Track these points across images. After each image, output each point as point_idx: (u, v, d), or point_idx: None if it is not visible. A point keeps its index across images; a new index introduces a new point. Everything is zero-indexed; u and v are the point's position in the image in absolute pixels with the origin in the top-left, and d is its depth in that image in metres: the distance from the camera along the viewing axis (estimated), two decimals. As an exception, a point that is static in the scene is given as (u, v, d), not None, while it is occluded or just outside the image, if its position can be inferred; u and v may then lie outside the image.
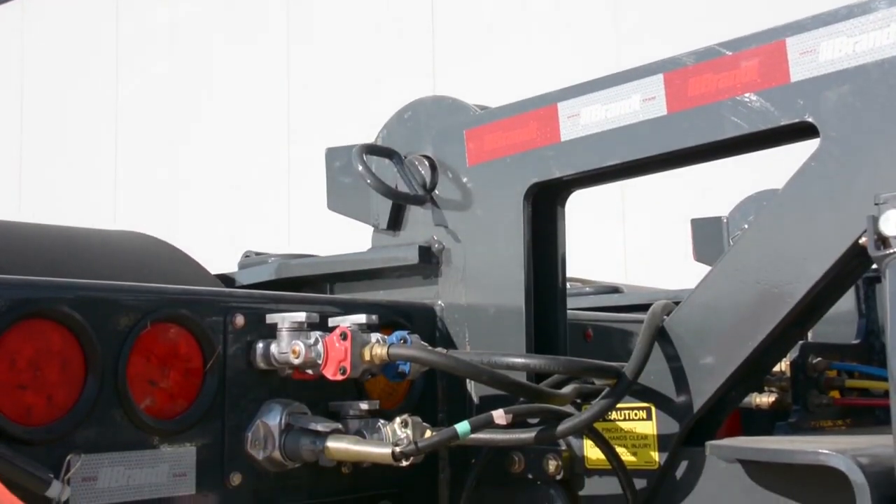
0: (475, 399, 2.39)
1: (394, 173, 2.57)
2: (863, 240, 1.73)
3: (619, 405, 2.05)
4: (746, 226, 3.31)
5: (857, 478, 1.65)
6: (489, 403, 2.22)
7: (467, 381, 2.39)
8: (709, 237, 3.97)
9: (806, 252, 1.91)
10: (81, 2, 11.88)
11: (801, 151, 1.97)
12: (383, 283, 2.64)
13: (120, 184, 11.24)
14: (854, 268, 1.92)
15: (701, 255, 4.01)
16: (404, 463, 1.99)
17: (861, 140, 1.86)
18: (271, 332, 2.09)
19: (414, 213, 2.58)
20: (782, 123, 1.97)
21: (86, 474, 1.82)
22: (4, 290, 1.77)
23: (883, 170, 1.82)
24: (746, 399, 2.45)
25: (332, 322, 2.11)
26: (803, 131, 1.97)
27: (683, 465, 2.05)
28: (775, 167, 2.55)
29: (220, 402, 2.03)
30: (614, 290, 4.13)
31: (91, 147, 11.50)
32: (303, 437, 2.07)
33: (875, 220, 1.65)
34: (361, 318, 2.09)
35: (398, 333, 2.09)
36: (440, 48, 8.90)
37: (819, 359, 2.45)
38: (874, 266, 1.79)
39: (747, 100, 2.01)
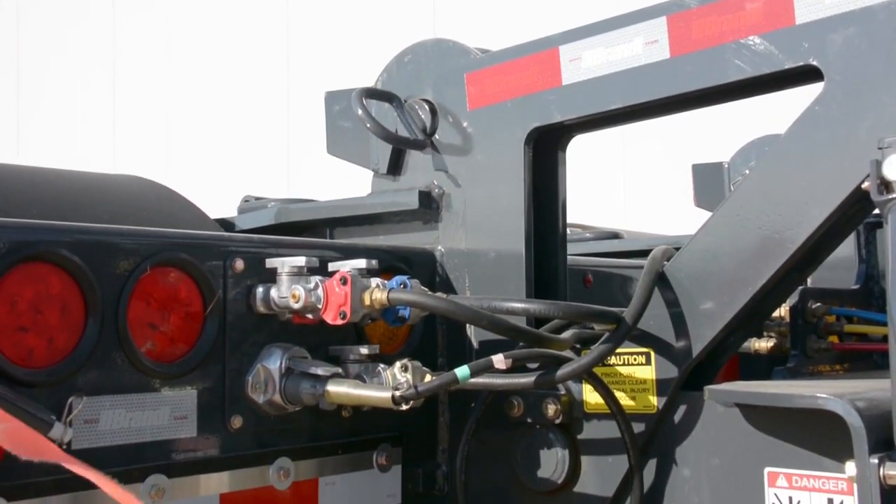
0: (475, 344, 2.39)
1: (394, 117, 2.55)
2: (865, 184, 1.72)
3: (618, 350, 2.05)
4: (748, 171, 3.30)
5: (855, 421, 1.66)
6: (489, 348, 2.23)
7: (467, 325, 2.40)
8: (710, 183, 3.96)
9: (808, 197, 1.90)
10: (77, -57, 11.72)
11: (804, 96, 1.95)
12: (383, 227, 2.64)
13: (118, 128, 11.19)
14: (855, 213, 1.91)
15: (702, 200, 4.01)
16: (404, 407, 2.00)
17: (866, 83, 1.84)
18: (271, 277, 2.09)
19: (414, 158, 2.56)
20: (786, 67, 1.95)
21: (87, 416, 1.83)
22: (3, 232, 1.76)
23: (887, 114, 1.81)
24: (745, 344, 2.46)
25: (331, 267, 2.11)
26: (807, 75, 1.95)
27: (682, 409, 2.06)
28: (778, 112, 2.53)
29: (220, 346, 2.04)
30: (614, 235, 4.13)
31: (89, 91, 11.43)
32: (303, 381, 2.08)
33: (878, 165, 1.64)
34: (361, 262, 2.08)
35: (398, 278, 2.09)
36: (441, -9, 8.80)
37: (818, 304, 2.46)
38: (875, 211, 1.78)
39: (751, 43, 1.98)
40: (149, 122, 10.82)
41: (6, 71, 12.31)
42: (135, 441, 1.90)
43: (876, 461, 1.62)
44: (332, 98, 2.80)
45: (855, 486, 1.69)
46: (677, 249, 2.13)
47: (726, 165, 3.91)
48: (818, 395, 1.76)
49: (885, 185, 1.64)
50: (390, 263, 2.34)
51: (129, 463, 1.88)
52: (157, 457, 1.93)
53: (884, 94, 1.82)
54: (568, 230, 2.51)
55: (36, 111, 11.99)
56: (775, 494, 1.88)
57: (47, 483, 1.77)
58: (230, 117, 10.11)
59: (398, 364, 2.09)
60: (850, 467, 1.66)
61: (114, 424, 1.87)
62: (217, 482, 2.02)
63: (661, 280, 2.08)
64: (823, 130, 1.89)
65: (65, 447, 1.78)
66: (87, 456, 1.82)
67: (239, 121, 10.03)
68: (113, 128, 11.23)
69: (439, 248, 2.49)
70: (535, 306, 2.13)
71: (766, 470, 1.90)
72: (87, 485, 1.80)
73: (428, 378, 2.06)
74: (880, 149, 1.65)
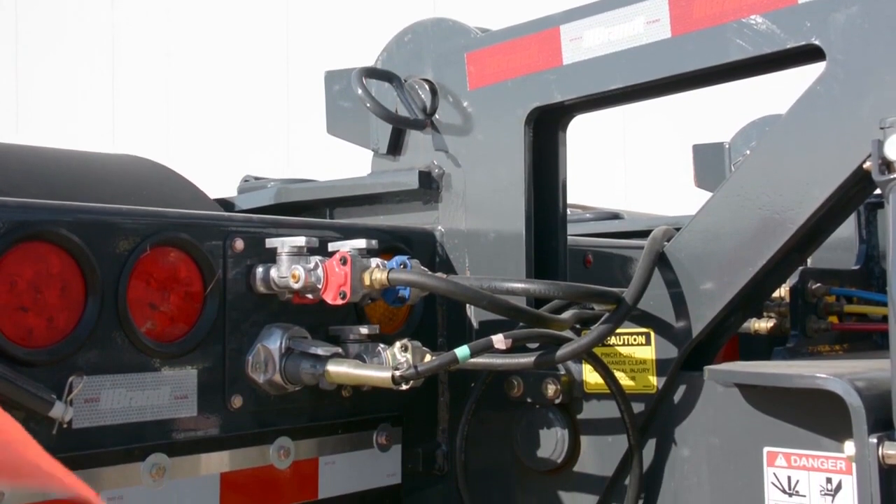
0: (475, 324, 2.40)
1: (393, 97, 2.54)
2: (867, 164, 1.71)
3: (618, 330, 2.06)
4: (749, 151, 3.29)
5: (854, 401, 1.67)
6: (489, 328, 2.23)
7: (467, 306, 2.40)
8: (710, 163, 3.95)
9: (809, 177, 1.90)
10: (75, -79, 11.65)
11: (806, 76, 1.95)
12: (383, 208, 2.64)
13: (118, 108, 11.16)
14: (857, 193, 1.91)
15: (702, 181, 4.00)
16: (404, 387, 2.00)
17: (868, 63, 1.84)
18: (271, 257, 2.09)
19: (414, 138, 2.56)
20: (788, 46, 1.94)
21: (88, 395, 1.83)
22: (3, 212, 1.76)
23: (889, 93, 1.80)
24: (745, 324, 2.46)
25: (331, 247, 2.10)
26: (809, 54, 1.94)
27: (681, 389, 2.06)
28: (779, 92, 2.52)
29: (220, 326, 2.04)
30: (614, 216, 4.13)
31: (88, 71, 11.39)
32: (303, 361, 2.08)
33: (880, 145, 1.64)
34: (361, 242, 2.08)
35: (398, 258, 2.09)
36: (441, -30, 8.75)
37: (818, 284, 2.45)
38: (876, 191, 1.78)
39: (753, 22, 1.97)
40: (148, 101, 10.79)
41: (5, 51, 12.27)
42: (135, 420, 1.90)
43: (875, 441, 1.62)
44: (332, 78, 2.79)
45: (854, 465, 1.70)
46: (678, 230, 2.12)
47: (727, 146, 3.90)
48: (818, 375, 1.76)
49: (886, 165, 1.64)
50: (390, 244, 2.34)
51: (129, 442, 1.89)
52: (157, 436, 1.93)
53: (886, 74, 1.81)
54: (568, 210, 2.51)
55: (35, 91, 11.96)
56: (774, 474, 1.89)
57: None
58: (230, 97, 10.08)
59: (398, 344, 2.09)
60: (849, 447, 1.67)
61: (114, 404, 1.87)
62: (218, 461, 2.02)
63: (661, 260, 2.08)
64: (825, 110, 1.89)
65: (65, 426, 1.78)
66: (87, 435, 1.83)
67: (239, 101, 10.01)
68: (112, 107, 11.21)
69: (439, 228, 2.49)
70: (535, 286, 2.13)
71: (766, 449, 1.90)
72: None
73: (428, 358, 2.06)
74: (882, 128, 1.64)
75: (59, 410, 1.75)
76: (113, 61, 11.22)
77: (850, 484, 1.78)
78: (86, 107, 11.34)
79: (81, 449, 1.82)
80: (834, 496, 1.81)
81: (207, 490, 2.00)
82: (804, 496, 1.84)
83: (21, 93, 12.13)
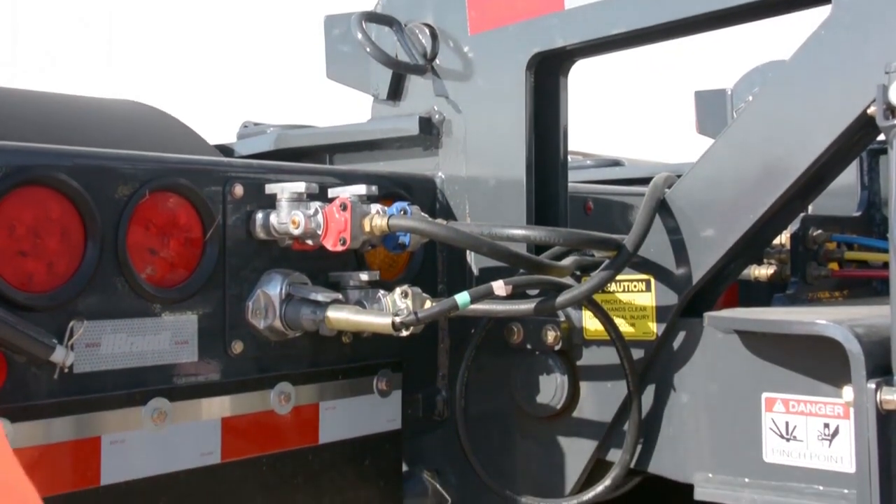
0: (475, 270, 2.40)
1: (394, 42, 2.52)
2: (871, 109, 1.70)
3: (618, 277, 2.06)
4: (751, 97, 3.27)
5: (853, 347, 1.67)
6: (489, 275, 2.23)
7: (467, 252, 2.40)
8: (712, 109, 3.93)
9: (812, 123, 1.88)
10: None
11: (810, 21, 1.92)
12: (383, 154, 2.63)
13: (115, 52, 11.07)
14: (860, 139, 1.90)
15: (704, 127, 3.99)
16: (404, 333, 2.00)
17: (873, 7, 1.81)
18: (270, 203, 2.08)
19: (414, 83, 2.54)
20: (793, -11, 1.92)
21: (89, 340, 1.84)
22: (1, 156, 1.75)
23: (894, 38, 1.78)
24: (745, 271, 2.46)
25: (331, 193, 2.10)
26: (815, -2, 1.92)
27: (681, 335, 2.07)
28: (783, 38, 2.49)
29: (220, 272, 2.04)
30: (615, 163, 4.12)
31: (86, 15, 11.28)
32: (303, 307, 2.09)
33: (885, 90, 1.62)
34: (361, 188, 2.07)
35: (398, 204, 2.08)
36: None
37: (819, 231, 2.45)
38: (880, 137, 1.76)
39: (758, -35, 1.95)
40: (147, 46, 10.70)
41: (1, -5, 12.14)
42: (136, 365, 1.91)
43: (873, 386, 1.63)
44: (332, 22, 2.76)
45: (851, 410, 1.71)
46: (679, 177, 2.11)
47: (729, 92, 3.87)
48: (817, 321, 1.77)
49: (890, 111, 1.62)
50: (390, 190, 2.33)
51: (130, 386, 1.90)
52: (158, 381, 1.94)
53: (892, 19, 1.79)
54: (569, 157, 2.49)
55: (32, 34, 11.85)
56: (772, 419, 1.90)
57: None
58: (229, 42, 9.99)
59: (398, 290, 2.10)
60: (847, 392, 1.67)
61: (115, 349, 1.88)
62: (219, 406, 2.03)
63: (662, 207, 2.07)
64: (829, 55, 1.87)
65: (67, 371, 1.79)
66: (89, 380, 1.84)
67: (238, 45, 9.92)
68: (110, 51, 11.11)
69: (439, 174, 2.48)
70: (536, 233, 2.12)
71: (764, 395, 1.91)
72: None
73: (428, 304, 2.06)
74: (887, 73, 1.63)
75: (60, 355, 1.76)
76: (111, 3, 11.11)
77: (847, 429, 1.80)
78: (84, 51, 11.25)
79: (83, 393, 1.83)
80: (831, 441, 1.82)
81: (209, 434, 2.01)
82: (801, 441, 1.86)
83: (19, 37, 12.03)
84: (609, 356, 2.13)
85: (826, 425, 1.83)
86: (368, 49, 2.45)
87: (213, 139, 2.99)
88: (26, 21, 11.96)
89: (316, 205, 2.04)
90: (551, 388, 2.22)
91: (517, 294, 2.06)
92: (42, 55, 11.56)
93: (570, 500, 2.18)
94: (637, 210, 2.10)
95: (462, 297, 1.97)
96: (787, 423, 1.88)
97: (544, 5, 2.28)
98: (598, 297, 2.10)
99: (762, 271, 2.56)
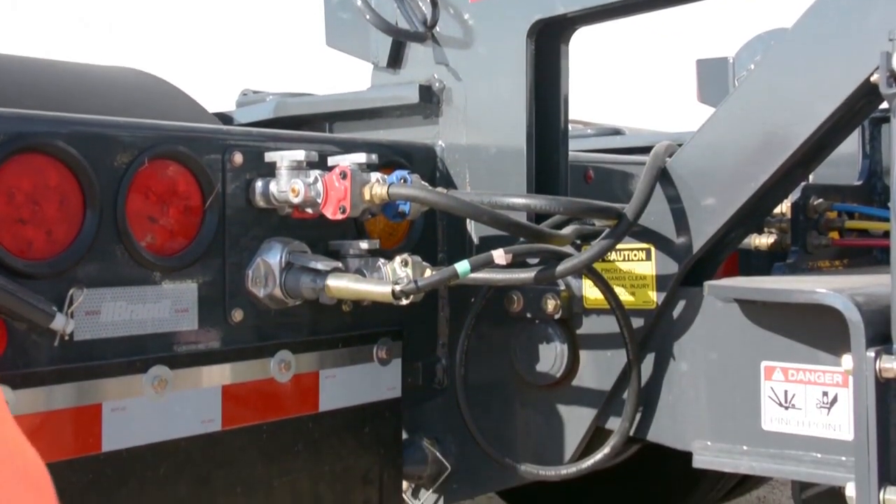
0: (475, 239, 2.39)
1: (393, 9, 2.50)
2: (874, 77, 1.69)
3: (618, 246, 2.05)
4: (753, 66, 3.25)
5: (853, 316, 1.67)
6: (489, 244, 2.22)
7: (467, 221, 2.39)
8: (714, 78, 3.92)
9: (814, 91, 1.87)
10: None
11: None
12: (383, 122, 2.61)
13: (115, 19, 11.00)
14: (862, 107, 1.89)
15: (705, 96, 3.97)
16: (404, 301, 2.00)
17: (878, -27, 1.80)
18: (270, 171, 2.08)
19: (414, 51, 2.52)
20: (797, -44, 1.90)
21: (89, 308, 1.84)
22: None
23: (898, 5, 1.77)
24: (745, 240, 2.46)
25: (331, 161, 2.09)
26: (818, -36, 1.90)
27: (681, 304, 2.07)
28: (785, 5, 2.47)
29: (220, 240, 2.04)
30: (616, 132, 4.10)
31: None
32: (303, 276, 2.09)
33: (889, 57, 1.61)
34: (361, 157, 2.07)
35: (398, 173, 2.07)
36: None
37: (820, 200, 2.45)
38: (883, 105, 1.76)
39: (761, -69, 1.93)
40: (146, 13, 10.64)
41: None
42: (136, 333, 1.91)
43: (872, 354, 1.63)
44: (331, -11, 2.74)
45: (850, 378, 1.71)
46: (680, 146, 2.11)
47: (731, 60, 3.85)
48: (817, 290, 1.77)
49: (894, 78, 1.61)
50: (390, 158, 2.32)
51: (131, 354, 1.90)
52: (158, 348, 1.94)
53: (896, -15, 1.78)
54: (569, 126, 2.48)
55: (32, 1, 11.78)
56: (771, 388, 1.90)
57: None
58: (229, 9, 9.93)
59: (398, 259, 2.09)
60: (847, 360, 1.68)
61: (115, 316, 1.88)
62: (219, 374, 2.04)
63: (662, 176, 2.06)
64: (832, 22, 1.85)
65: (67, 339, 1.79)
66: (89, 347, 1.84)
67: (238, 12, 9.87)
68: (110, 19, 11.05)
69: (440, 142, 2.47)
70: (536, 202, 2.12)
71: (763, 364, 1.92)
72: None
73: (428, 273, 2.06)
74: (891, 40, 1.61)
75: (60, 322, 1.76)
76: (108, -27, 11.03)
77: (845, 397, 1.80)
78: (84, 18, 11.18)
79: (83, 361, 1.83)
80: (829, 409, 1.83)
81: (209, 402, 2.02)
82: (800, 409, 1.86)
83: (19, 4, 11.95)
84: (609, 325, 2.13)
85: (825, 393, 1.83)
86: (368, 16, 2.44)
87: (212, 107, 2.98)
88: (24, -12, 11.88)
89: (315, 173, 2.04)
90: (551, 357, 2.22)
91: (517, 263, 2.06)
92: (42, 21, 11.50)
93: (569, 467, 2.19)
94: (638, 179, 2.09)
95: (462, 266, 1.96)
96: (785, 392, 1.88)
97: (545, -28, 2.26)
98: (598, 266, 2.10)
99: (763, 240, 2.56)
